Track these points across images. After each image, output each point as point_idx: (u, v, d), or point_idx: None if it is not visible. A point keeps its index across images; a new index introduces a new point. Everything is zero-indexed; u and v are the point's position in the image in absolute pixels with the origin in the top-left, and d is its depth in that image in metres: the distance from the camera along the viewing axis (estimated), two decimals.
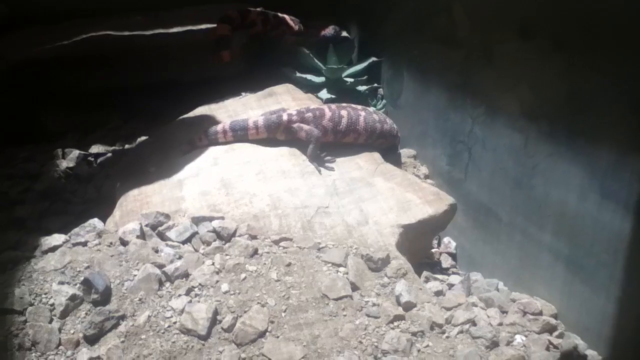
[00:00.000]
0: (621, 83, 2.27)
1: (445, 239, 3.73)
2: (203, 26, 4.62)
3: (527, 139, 2.88)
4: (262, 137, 3.47)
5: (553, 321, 2.67)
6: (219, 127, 3.47)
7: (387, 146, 3.78)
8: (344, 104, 3.60)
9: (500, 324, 2.63)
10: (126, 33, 4.44)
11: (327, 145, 3.42)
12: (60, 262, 2.55)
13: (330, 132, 3.43)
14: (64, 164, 4.00)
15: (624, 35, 2.22)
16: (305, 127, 3.36)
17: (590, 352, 2.48)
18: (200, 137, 3.49)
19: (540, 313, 2.74)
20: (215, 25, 4.54)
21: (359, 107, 3.64)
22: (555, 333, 2.61)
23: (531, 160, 2.86)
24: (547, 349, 2.45)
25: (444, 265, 3.54)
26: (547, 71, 2.67)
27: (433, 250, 3.65)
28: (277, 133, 3.45)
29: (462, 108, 3.46)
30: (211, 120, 3.83)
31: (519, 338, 2.53)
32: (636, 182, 2.23)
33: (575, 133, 2.54)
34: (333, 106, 3.54)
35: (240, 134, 3.45)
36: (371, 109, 3.85)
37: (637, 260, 2.29)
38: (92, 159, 4.11)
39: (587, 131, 2.47)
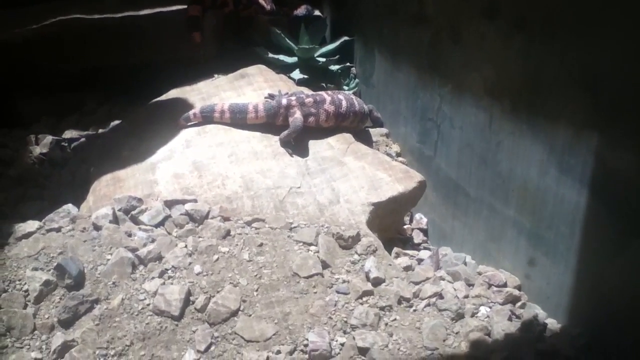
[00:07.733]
0: (575, 62, 2.33)
1: (417, 215, 3.81)
2: (174, 7, 4.60)
3: (491, 117, 2.94)
4: (261, 122, 3.42)
5: (516, 292, 2.76)
6: (217, 107, 3.43)
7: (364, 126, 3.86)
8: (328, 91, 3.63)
9: (466, 297, 2.72)
10: (96, 16, 4.41)
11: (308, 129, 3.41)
12: (33, 249, 2.58)
13: (332, 115, 3.45)
14: (37, 149, 4.00)
15: (580, 15, 2.28)
16: (297, 114, 3.36)
17: (550, 321, 2.58)
18: (195, 113, 3.46)
19: (505, 285, 2.84)
20: (186, 6, 4.53)
21: (340, 91, 3.69)
22: (518, 304, 2.70)
23: (495, 137, 2.93)
24: (509, 319, 2.54)
25: (416, 240, 3.63)
26: (509, 51, 2.72)
27: (405, 226, 3.73)
28: (276, 118, 3.41)
29: (431, 86, 3.51)
30: (184, 103, 3.84)
31: (483, 309, 2.63)
32: (590, 158, 2.31)
33: (535, 111, 2.60)
34: (329, 91, 3.58)
35: (238, 117, 3.41)
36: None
37: (592, 232, 2.39)
38: (66, 144, 4.11)
39: (545, 109, 2.54)
